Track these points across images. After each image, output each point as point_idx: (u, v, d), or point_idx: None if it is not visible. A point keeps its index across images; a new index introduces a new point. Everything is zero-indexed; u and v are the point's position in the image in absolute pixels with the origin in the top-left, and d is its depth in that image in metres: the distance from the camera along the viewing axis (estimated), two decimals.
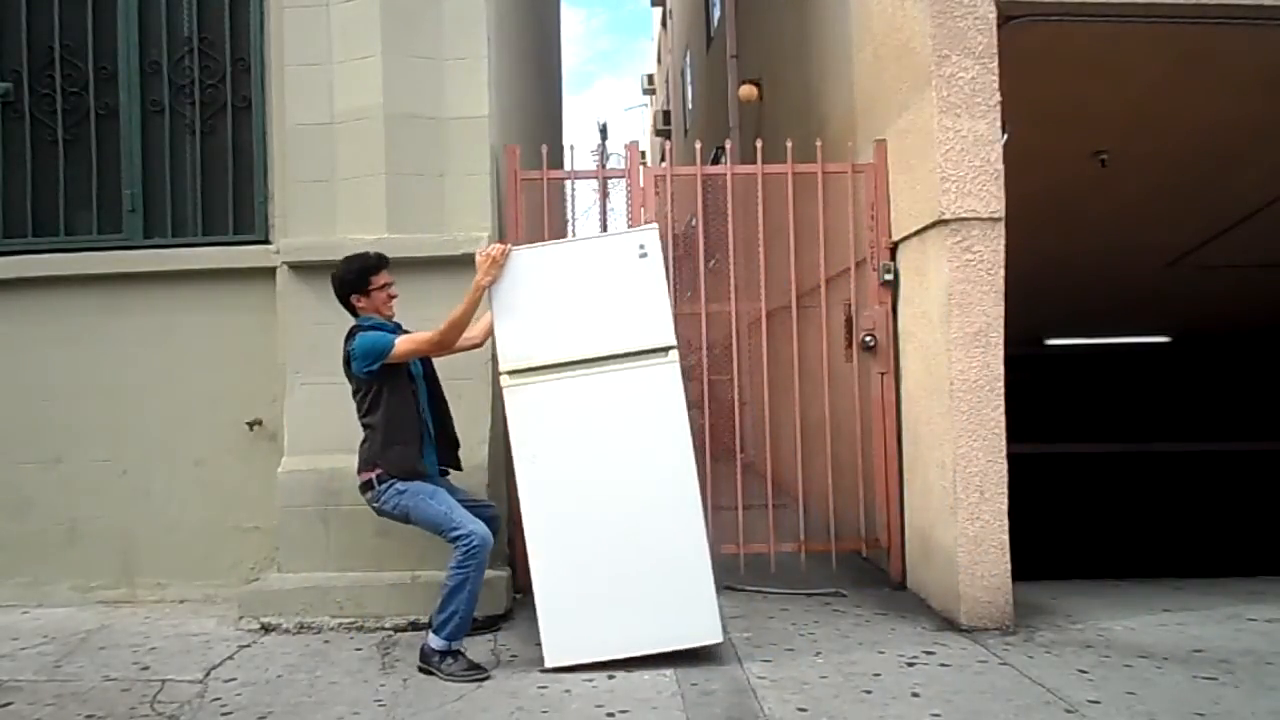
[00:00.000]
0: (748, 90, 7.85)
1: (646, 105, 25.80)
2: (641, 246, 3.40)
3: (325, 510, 3.95)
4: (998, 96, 3.71)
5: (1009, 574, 3.64)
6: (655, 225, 3.62)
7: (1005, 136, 3.73)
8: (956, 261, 3.68)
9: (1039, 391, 8.34)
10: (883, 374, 4.27)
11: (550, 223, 4.31)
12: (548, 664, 3.19)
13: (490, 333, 3.49)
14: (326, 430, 3.87)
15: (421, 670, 3.23)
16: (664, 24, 20.48)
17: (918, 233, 3.97)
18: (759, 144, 4.35)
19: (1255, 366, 11.74)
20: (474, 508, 3.43)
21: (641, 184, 4.40)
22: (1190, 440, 10.85)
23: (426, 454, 3.45)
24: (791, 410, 4.50)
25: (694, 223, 4.60)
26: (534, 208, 4.44)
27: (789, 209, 4.34)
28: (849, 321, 4.50)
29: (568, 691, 3.02)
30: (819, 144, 4.41)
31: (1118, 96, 5.19)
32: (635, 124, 41.11)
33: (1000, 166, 3.69)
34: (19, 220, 4.45)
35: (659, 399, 3.32)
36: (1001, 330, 3.69)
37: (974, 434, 3.65)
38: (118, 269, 4.34)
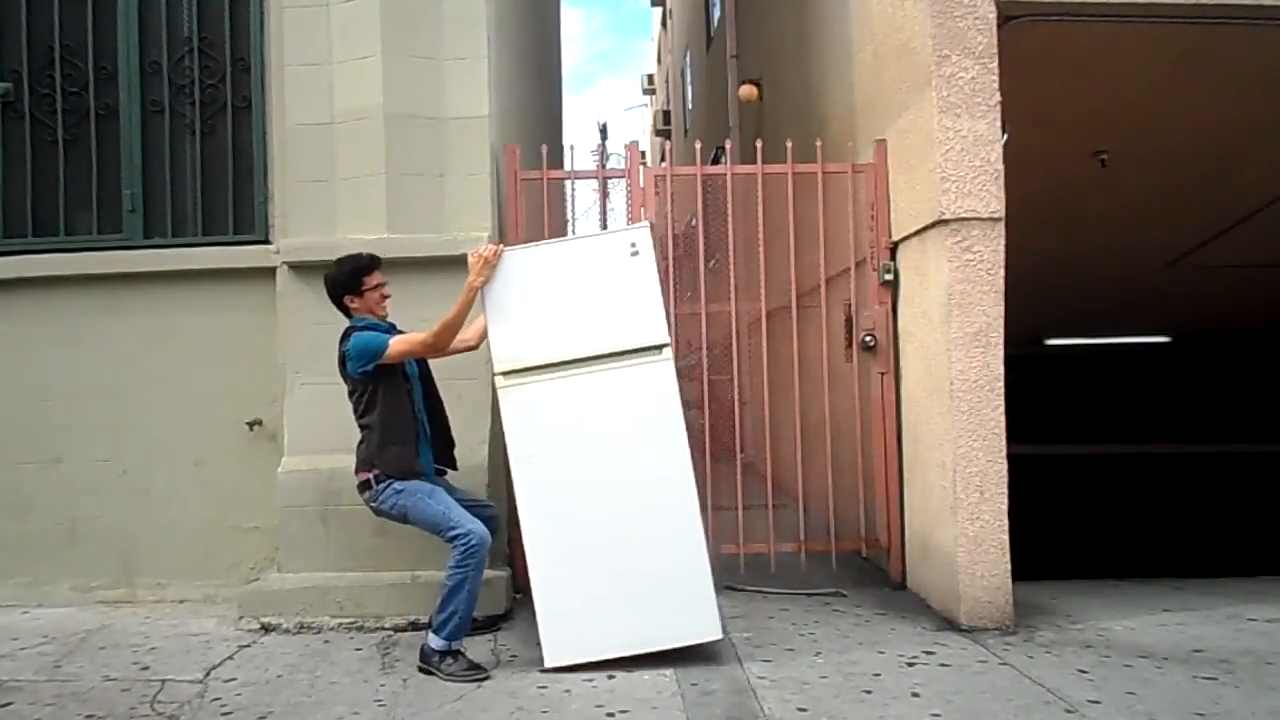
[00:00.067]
0: (748, 90, 7.85)
1: (646, 105, 25.81)
2: (633, 245, 3.41)
3: (325, 510, 3.95)
4: (998, 96, 3.71)
5: (1009, 574, 3.64)
6: (647, 223, 3.62)
7: (1005, 136, 3.73)
8: (956, 261, 3.68)
9: (1039, 392, 8.34)
10: (883, 374, 4.27)
11: (550, 223, 4.31)
12: (547, 664, 3.19)
13: (485, 335, 3.49)
14: (326, 430, 3.87)
15: (421, 670, 3.23)
16: (664, 24, 20.48)
17: (918, 233, 3.97)
18: (759, 144, 4.35)
19: (1255, 367, 11.74)
20: (473, 507, 3.43)
21: (641, 184, 4.40)
22: (1190, 442, 10.85)
23: (423, 453, 3.45)
24: (791, 410, 4.50)
25: (694, 223, 4.60)
26: (534, 208, 4.44)
27: (789, 209, 4.34)
28: (849, 321, 4.50)
29: (568, 691, 3.02)
30: (819, 144, 4.41)
31: (1118, 96, 5.19)
32: (635, 124, 41.15)
33: (1000, 166, 3.70)
34: (19, 220, 4.45)
35: (654, 397, 3.33)
36: (1001, 330, 3.69)
37: (974, 434, 3.65)
38: (118, 269, 4.34)
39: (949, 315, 3.68)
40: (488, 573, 3.89)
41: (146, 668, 3.37)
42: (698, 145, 4.50)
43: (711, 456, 4.34)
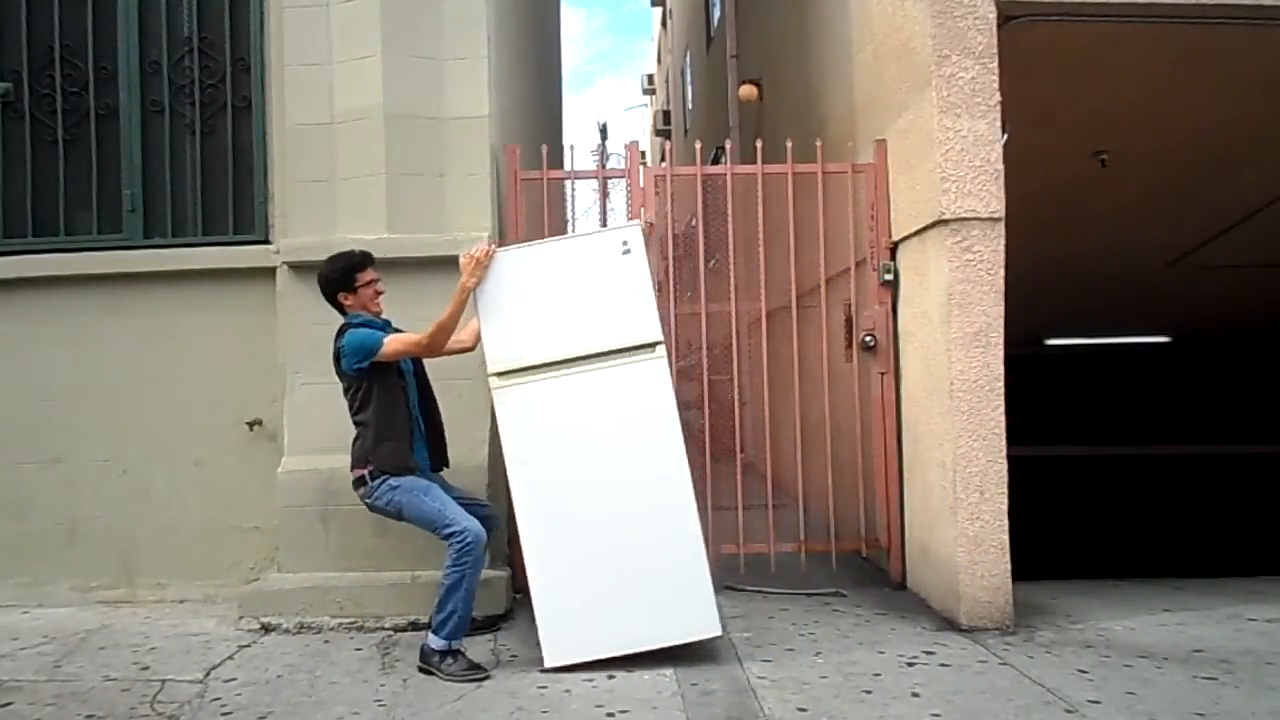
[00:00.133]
0: (748, 90, 7.85)
1: (646, 105, 25.81)
2: (624, 243, 3.41)
3: (325, 510, 3.95)
4: (998, 96, 3.71)
5: (1009, 574, 3.64)
6: (638, 222, 3.63)
7: (1005, 136, 3.73)
8: (956, 261, 3.68)
9: (1039, 392, 8.33)
10: (883, 374, 4.27)
11: (550, 223, 4.31)
12: (547, 664, 3.19)
13: (480, 336, 3.49)
14: (326, 430, 3.87)
15: (422, 670, 3.23)
16: (664, 24, 20.49)
17: (918, 233, 3.97)
18: (759, 144, 4.35)
19: (1255, 367, 11.74)
20: (469, 506, 3.43)
21: (641, 184, 4.40)
22: (1190, 442, 10.85)
23: (418, 450, 3.45)
24: (791, 410, 4.50)
25: (694, 223, 4.60)
26: (534, 208, 4.44)
27: (789, 209, 4.34)
28: (849, 321, 4.50)
29: (568, 691, 3.02)
30: (819, 144, 4.41)
31: (1118, 96, 5.19)
32: (635, 124, 41.15)
33: (1000, 166, 3.69)
34: (19, 220, 4.45)
35: (648, 394, 3.33)
36: (1001, 330, 3.69)
37: (974, 434, 3.65)
38: (118, 269, 4.34)
39: (949, 315, 3.68)
40: (488, 573, 3.90)
41: (146, 668, 3.37)
42: (698, 145, 4.50)
43: (711, 456, 4.34)
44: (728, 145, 4.51)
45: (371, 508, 3.42)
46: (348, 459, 3.47)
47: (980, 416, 3.66)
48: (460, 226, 4.09)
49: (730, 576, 4.22)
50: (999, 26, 3.74)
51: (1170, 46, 4.57)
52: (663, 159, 20.93)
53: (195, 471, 4.33)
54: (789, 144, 4.35)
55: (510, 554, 4.01)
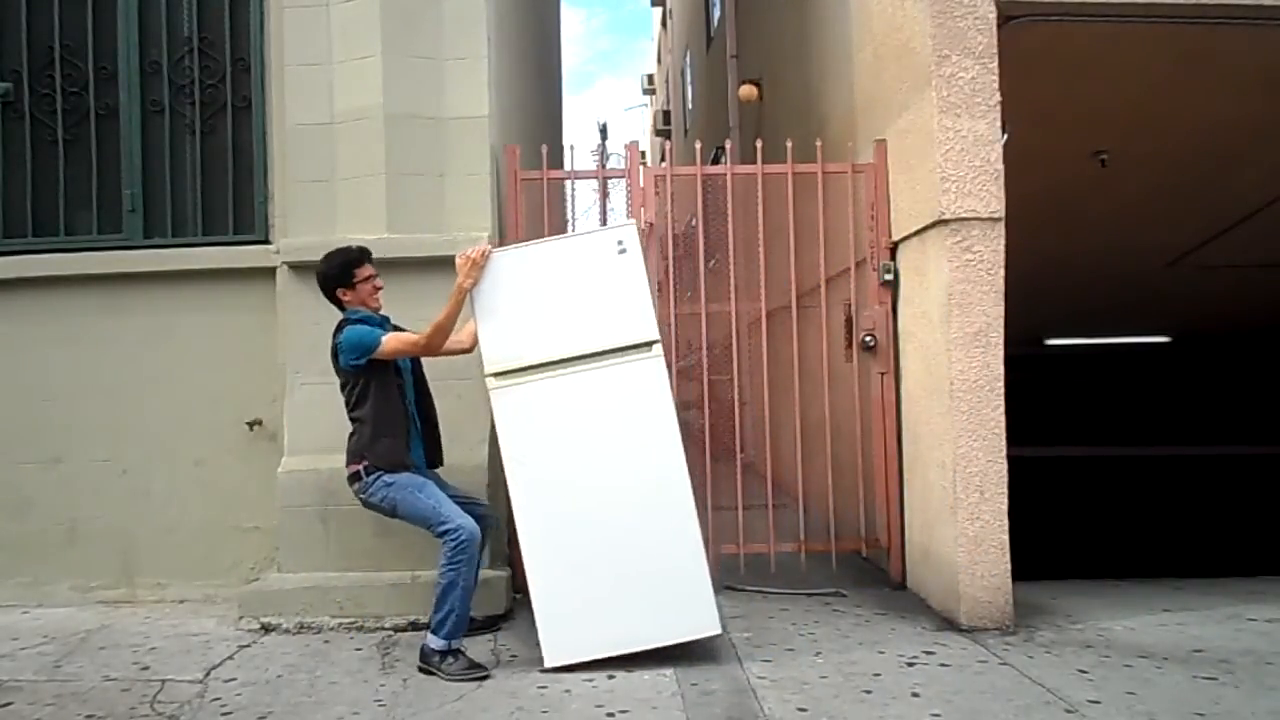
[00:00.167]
0: (748, 90, 7.85)
1: (646, 105, 25.81)
2: (620, 243, 3.41)
3: (325, 510, 3.95)
4: (998, 96, 3.71)
5: (1009, 574, 3.64)
6: (633, 221, 3.63)
7: (1005, 136, 3.73)
8: (956, 261, 3.68)
9: (1039, 392, 8.33)
10: (883, 374, 4.27)
11: (550, 223, 4.31)
12: (547, 664, 3.19)
13: (477, 340, 3.49)
14: (326, 430, 3.87)
15: (422, 671, 3.23)
16: (664, 24, 20.49)
17: (918, 233, 3.97)
18: (759, 144, 4.35)
19: (1255, 367, 11.74)
20: (465, 504, 3.44)
21: (641, 184, 4.40)
22: (1190, 443, 10.84)
23: (414, 448, 3.45)
24: (791, 410, 4.50)
25: (694, 223, 4.60)
26: (534, 208, 4.45)
27: (789, 209, 4.34)
28: (849, 321, 4.50)
29: (568, 691, 3.02)
30: (819, 144, 4.41)
31: (1118, 96, 5.19)
32: (635, 124, 41.16)
33: (1000, 166, 3.69)
34: (19, 220, 4.45)
35: (645, 393, 3.33)
36: (1001, 330, 3.69)
37: (974, 434, 3.65)
38: (118, 269, 4.34)
39: (949, 315, 3.68)
40: (487, 573, 3.91)
41: (146, 668, 3.37)
42: (698, 145, 4.50)
43: (711, 456, 4.35)
44: (728, 145, 4.51)
45: (366, 503, 3.43)
46: None
47: (980, 416, 3.65)
48: (460, 226, 4.09)
49: (730, 576, 4.22)
50: (999, 26, 3.74)
51: (1170, 46, 4.57)
52: (663, 159, 20.93)
53: (195, 471, 4.33)
54: (789, 144, 4.35)
55: (510, 554, 4.01)
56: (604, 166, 9.92)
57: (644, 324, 3.37)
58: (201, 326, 4.35)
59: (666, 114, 17.95)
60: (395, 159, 4.07)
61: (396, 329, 3.53)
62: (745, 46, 9.02)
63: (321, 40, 4.15)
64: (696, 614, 3.24)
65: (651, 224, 4.37)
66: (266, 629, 3.77)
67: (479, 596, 3.75)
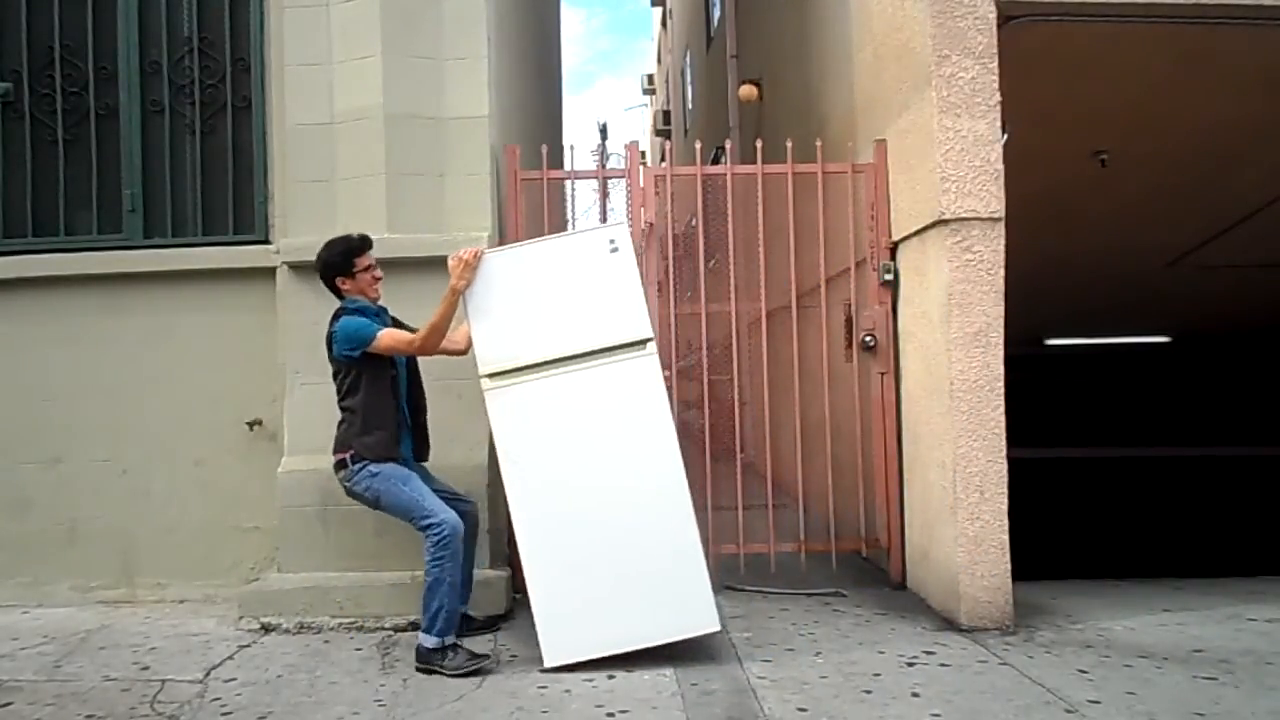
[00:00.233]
0: (748, 90, 7.85)
1: (646, 105, 25.81)
2: (612, 242, 3.42)
3: (325, 510, 3.95)
4: (998, 96, 3.71)
5: (1009, 574, 3.64)
6: (625, 221, 3.63)
7: (1005, 136, 3.73)
8: (956, 261, 3.68)
9: (1039, 392, 8.33)
10: (883, 374, 4.27)
11: (550, 223, 4.31)
12: (547, 663, 3.19)
13: (471, 342, 3.49)
14: (326, 430, 3.83)
15: (422, 670, 3.23)
16: (664, 24, 20.49)
17: (918, 233, 3.97)
18: (759, 144, 4.35)
19: (1255, 367, 11.74)
20: (450, 500, 3.45)
21: (641, 184, 4.40)
22: (1190, 445, 10.84)
23: (403, 442, 3.46)
24: (791, 410, 4.50)
25: (694, 223, 4.60)
26: (534, 208, 4.45)
27: (789, 209, 4.34)
28: (849, 321, 4.50)
29: (568, 691, 3.02)
30: (819, 144, 4.41)
31: (1118, 96, 5.19)
32: (635, 124, 41.17)
33: (1000, 166, 3.69)
34: (19, 220, 4.45)
35: (640, 392, 3.33)
36: (1001, 330, 3.69)
37: (974, 434, 3.65)
38: (118, 269, 4.34)
39: (949, 315, 3.68)
40: (488, 573, 3.92)
41: (146, 668, 3.37)
42: (698, 145, 4.50)
43: (711, 456, 4.35)
44: (728, 145, 4.51)
45: (349, 492, 3.42)
46: None
47: (980, 416, 3.65)
48: (460, 226, 4.09)
49: (730, 576, 4.22)
50: (999, 26, 3.74)
51: (1170, 46, 4.57)
52: (663, 159, 20.93)
53: (195, 471, 4.33)
54: (789, 144, 4.35)
55: (510, 554, 4.01)
56: (604, 166, 9.92)
57: (637, 322, 3.37)
58: (201, 326, 4.35)
59: (666, 114, 17.95)
60: (395, 159, 4.06)
61: (394, 320, 3.54)
62: (745, 46, 9.02)
63: (321, 40, 4.15)
64: (695, 611, 3.24)
65: (651, 224, 4.37)
66: (266, 629, 3.77)
67: (479, 596, 3.77)
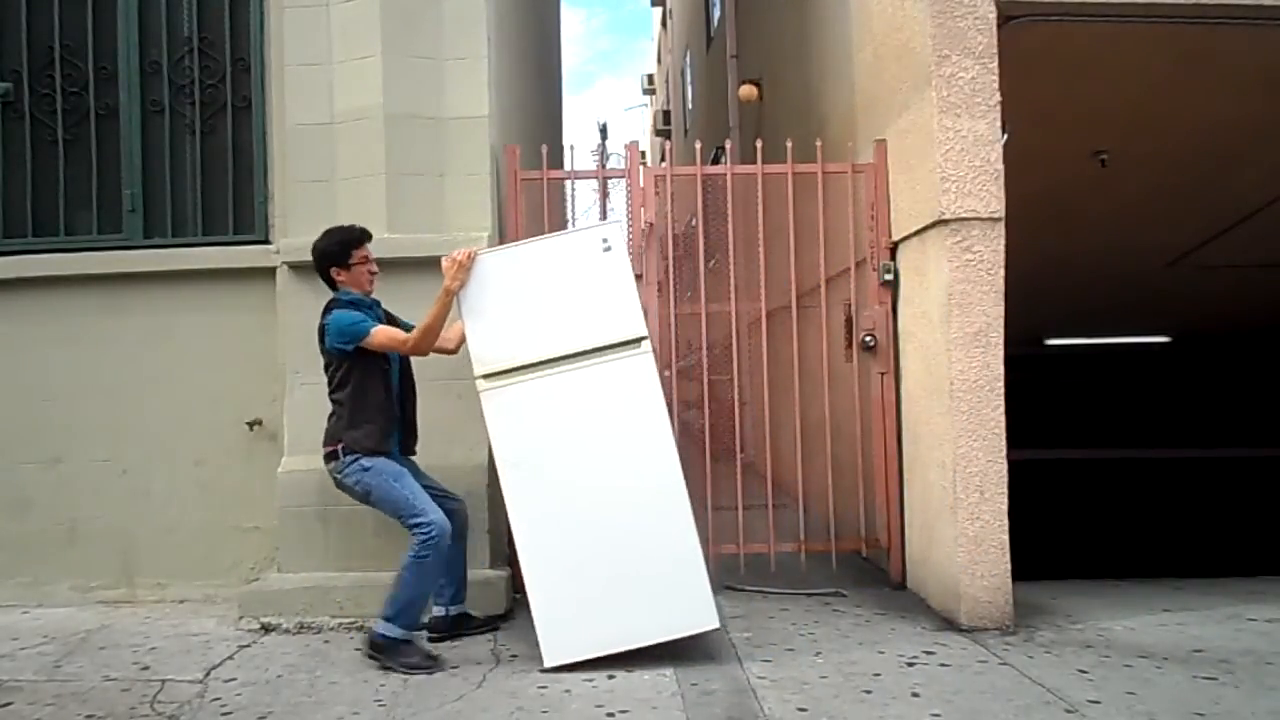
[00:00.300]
0: (748, 90, 7.85)
1: (646, 105, 25.82)
2: (605, 241, 3.41)
3: (325, 510, 3.95)
4: (998, 96, 3.71)
5: (1009, 574, 3.64)
6: (620, 220, 3.64)
7: (1005, 136, 3.73)
8: (956, 261, 3.68)
9: (1039, 392, 8.33)
10: (883, 374, 4.27)
11: (550, 223, 4.30)
12: (546, 663, 3.19)
13: (463, 340, 3.50)
14: None
15: (371, 658, 3.23)
16: (664, 24, 20.49)
17: (918, 233, 3.97)
18: (759, 144, 4.35)
19: (1255, 367, 11.74)
20: (439, 497, 3.47)
21: (641, 184, 4.40)
22: (1190, 445, 10.83)
23: (393, 435, 3.45)
24: (791, 410, 4.50)
25: (694, 223, 4.60)
26: (534, 208, 4.45)
27: (789, 209, 4.34)
28: (849, 321, 4.50)
29: (568, 691, 3.02)
30: (819, 144, 4.41)
31: (1118, 96, 5.19)
32: (635, 124, 41.18)
33: (1000, 166, 3.69)
34: (19, 220, 4.45)
35: (636, 390, 3.33)
36: (1001, 330, 3.69)
37: (974, 434, 3.65)
38: (118, 269, 4.34)
39: (949, 315, 3.68)
40: (488, 573, 3.92)
41: (146, 668, 3.37)
42: (698, 145, 4.50)
43: (711, 456, 4.35)
44: (728, 145, 4.51)
45: (339, 484, 3.42)
46: None
47: (980, 416, 3.65)
48: (460, 226, 4.09)
49: (730, 576, 4.22)
50: (999, 26, 3.74)
51: (1170, 46, 4.57)
52: (663, 159, 20.93)
53: (195, 471, 4.33)
54: (789, 144, 4.35)
55: (510, 553, 4.01)
56: (604, 166, 9.91)
57: (632, 321, 3.37)
58: (201, 326, 4.35)
59: (666, 114, 17.96)
60: (395, 159, 4.07)
61: (387, 314, 3.54)
62: (745, 46, 9.02)
63: (321, 40, 4.15)
64: (694, 609, 3.24)
65: (651, 224, 4.37)
66: (266, 629, 3.77)
67: (480, 596, 3.77)
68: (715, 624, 3.27)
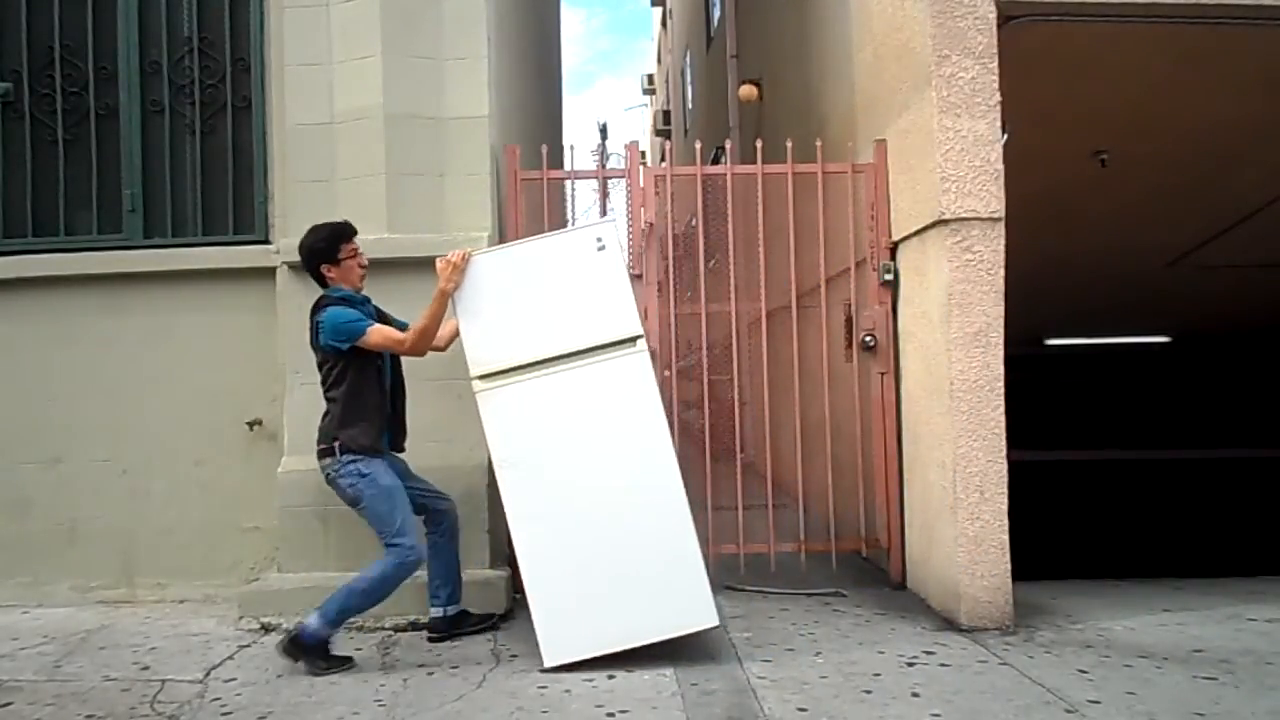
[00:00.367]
0: (748, 90, 7.85)
1: (646, 105, 25.82)
2: (599, 240, 3.41)
3: (324, 510, 3.94)
4: (998, 96, 3.71)
5: (1009, 574, 3.64)
6: (613, 219, 3.64)
7: (1005, 136, 3.73)
8: (956, 261, 3.68)
9: (1039, 392, 8.32)
10: (883, 374, 4.27)
11: (550, 223, 4.30)
12: (546, 663, 3.19)
13: (454, 338, 3.50)
14: None
15: (288, 654, 3.22)
16: (664, 24, 20.49)
17: (918, 233, 3.97)
18: (759, 144, 4.35)
19: (1255, 367, 11.74)
20: (430, 496, 3.49)
21: (641, 184, 4.40)
22: (1190, 446, 10.83)
23: (386, 433, 3.46)
24: (791, 410, 4.50)
25: (694, 223, 4.60)
26: (534, 208, 4.45)
27: (789, 209, 4.34)
28: (849, 321, 4.50)
29: (568, 691, 3.02)
30: (819, 144, 4.41)
31: (1118, 96, 5.19)
32: (635, 124, 41.19)
33: (1000, 166, 3.69)
34: (19, 220, 4.45)
35: (632, 388, 3.33)
36: (1001, 330, 3.69)
37: (974, 434, 3.65)
38: (118, 269, 4.34)
39: (949, 315, 3.68)
40: (488, 573, 3.93)
41: (146, 668, 3.37)
42: (698, 145, 4.50)
43: (711, 456, 4.35)
44: (728, 145, 4.51)
45: (330, 482, 3.41)
46: None
47: (980, 416, 3.65)
48: (460, 226, 4.08)
49: (730, 576, 4.22)
50: (999, 26, 3.74)
51: (1170, 46, 4.58)
52: (663, 159, 20.93)
53: (195, 471, 4.33)
54: (789, 144, 4.35)
55: (510, 553, 4.01)
56: (604, 166, 9.93)
57: (627, 319, 3.37)
58: (201, 326, 4.35)
59: (666, 114, 17.96)
60: (395, 159, 4.06)
61: (378, 311, 3.53)
62: (745, 46, 9.02)
63: (321, 40, 4.15)
64: (693, 607, 3.24)
65: (651, 224, 4.37)
66: (266, 629, 3.77)
67: (481, 596, 3.78)
68: (714, 621, 3.27)
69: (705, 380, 4.90)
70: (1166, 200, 6.80)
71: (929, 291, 3.88)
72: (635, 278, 4.30)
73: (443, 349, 3.58)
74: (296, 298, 4.08)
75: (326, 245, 3.44)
